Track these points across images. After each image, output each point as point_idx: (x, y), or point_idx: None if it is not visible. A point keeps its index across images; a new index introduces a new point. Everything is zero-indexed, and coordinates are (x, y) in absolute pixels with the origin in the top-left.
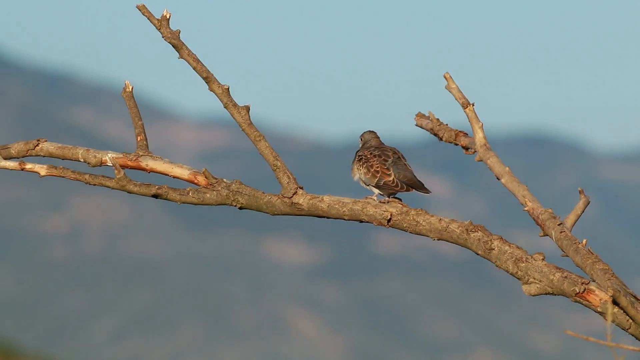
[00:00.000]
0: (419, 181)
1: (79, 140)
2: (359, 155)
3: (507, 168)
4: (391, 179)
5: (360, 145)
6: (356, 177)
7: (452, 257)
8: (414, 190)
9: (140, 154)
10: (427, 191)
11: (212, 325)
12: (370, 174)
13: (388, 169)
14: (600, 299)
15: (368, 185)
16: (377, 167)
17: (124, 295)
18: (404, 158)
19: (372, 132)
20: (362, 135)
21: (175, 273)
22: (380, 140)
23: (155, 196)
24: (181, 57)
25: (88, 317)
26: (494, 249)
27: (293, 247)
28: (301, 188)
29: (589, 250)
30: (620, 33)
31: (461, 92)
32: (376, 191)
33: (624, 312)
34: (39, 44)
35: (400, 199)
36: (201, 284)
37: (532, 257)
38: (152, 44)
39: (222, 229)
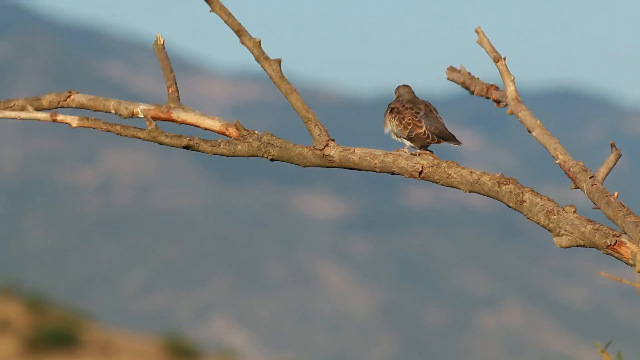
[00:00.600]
0: (450, 133)
1: (110, 94)
2: (391, 108)
3: (538, 121)
4: (422, 130)
5: (395, 99)
6: (388, 130)
7: (483, 210)
8: (445, 142)
9: (172, 105)
10: (458, 142)
11: (241, 278)
12: (402, 126)
13: (420, 121)
14: (631, 251)
15: (400, 138)
16: (409, 119)
17: (154, 248)
18: (435, 111)
19: (407, 86)
20: (396, 89)
21: (205, 226)
22: (414, 95)
23: (187, 147)
24: (212, 10)
25: (118, 270)
26: (525, 202)
27: (323, 200)
28: (332, 140)
29: (621, 203)
30: None
31: (492, 46)
32: (408, 143)
33: None
34: None
35: (432, 152)
36: (231, 237)
37: (563, 209)
38: None
39: (252, 183)
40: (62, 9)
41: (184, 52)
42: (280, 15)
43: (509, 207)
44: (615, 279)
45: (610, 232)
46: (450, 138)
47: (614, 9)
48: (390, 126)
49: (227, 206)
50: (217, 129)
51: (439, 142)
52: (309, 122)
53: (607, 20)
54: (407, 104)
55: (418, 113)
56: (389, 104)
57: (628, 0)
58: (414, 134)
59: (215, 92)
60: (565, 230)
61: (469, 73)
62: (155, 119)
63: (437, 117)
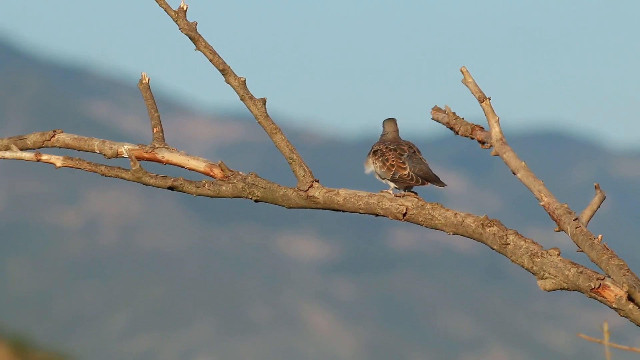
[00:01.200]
0: (434, 175)
1: (96, 133)
2: (374, 150)
3: (523, 163)
4: (406, 172)
5: (381, 133)
6: (369, 170)
7: (467, 252)
8: (429, 183)
9: (157, 145)
10: (442, 184)
11: (226, 320)
12: (385, 168)
13: (403, 162)
14: (615, 295)
15: (384, 179)
16: (393, 161)
17: (138, 289)
18: (419, 152)
19: (392, 121)
20: (383, 122)
21: (190, 267)
22: (398, 134)
23: (171, 188)
24: (198, 49)
25: (103, 311)
26: (509, 244)
27: (308, 242)
28: (317, 181)
29: (605, 246)
30: (637, 28)
31: (477, 86)
32: (392, 185)
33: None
34: (55, 36)
35: (416, 193)
36: (216, 278)
37: (547, 252)
38: (169, 37)
39: (237, 223)
40: (47, 47)
41: (169, 91)
42: (265, 55)
43: (493, 249)
44: (595, 340)
45: (594, 276)
46: (435, 180)
47: (604, 50)
48: (374, 167)
49: (212, 247)
50: (201, 169)
51: (423, 184)
52: (294, 162)
53: (595, 63)
54: (390, 145)
55: (402, 155)
56: (373, 146)
57: (617, 42)
58: (397, 176)
59: (200, 132)
60: (549, 274)
61: (454, 113)
62: (139, 159)
63: (420, 158)
